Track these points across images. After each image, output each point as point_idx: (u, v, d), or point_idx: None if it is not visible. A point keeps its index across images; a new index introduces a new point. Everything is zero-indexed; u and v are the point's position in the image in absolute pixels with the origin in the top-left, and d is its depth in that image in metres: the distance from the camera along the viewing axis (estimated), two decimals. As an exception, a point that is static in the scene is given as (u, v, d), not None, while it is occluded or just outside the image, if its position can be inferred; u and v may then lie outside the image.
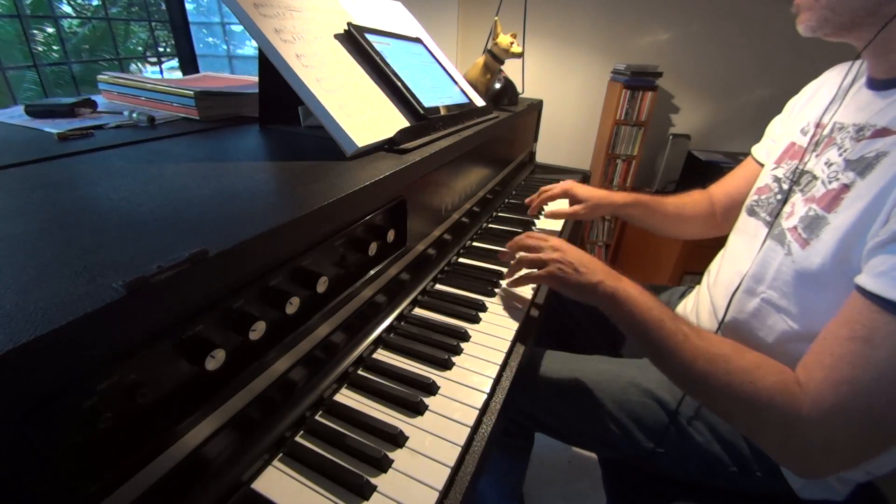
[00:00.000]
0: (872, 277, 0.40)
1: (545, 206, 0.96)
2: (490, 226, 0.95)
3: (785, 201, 0.56)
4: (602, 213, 0.86)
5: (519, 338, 0.60)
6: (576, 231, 0.95)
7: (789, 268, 0.51)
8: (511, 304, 0.66)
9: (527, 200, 0.92)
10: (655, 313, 0.51)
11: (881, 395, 0.38)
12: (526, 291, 0.70)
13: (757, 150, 0.76)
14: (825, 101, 0.60)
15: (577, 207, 0.84)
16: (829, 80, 0.63)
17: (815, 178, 0.53)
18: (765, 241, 0.57)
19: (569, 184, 0.88)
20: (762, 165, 0.72)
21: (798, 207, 0.53)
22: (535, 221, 0.98)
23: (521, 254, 0.66)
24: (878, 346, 0.38)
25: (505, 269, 0.72)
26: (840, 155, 0.50)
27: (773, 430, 0.44)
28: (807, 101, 0.66)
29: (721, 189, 0.83)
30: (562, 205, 0.91)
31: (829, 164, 0.51)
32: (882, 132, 0.47)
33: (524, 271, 0.66)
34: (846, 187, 0.47)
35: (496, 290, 0.69)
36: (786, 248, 0.52)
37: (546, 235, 0.66)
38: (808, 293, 0.50)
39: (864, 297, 0.40)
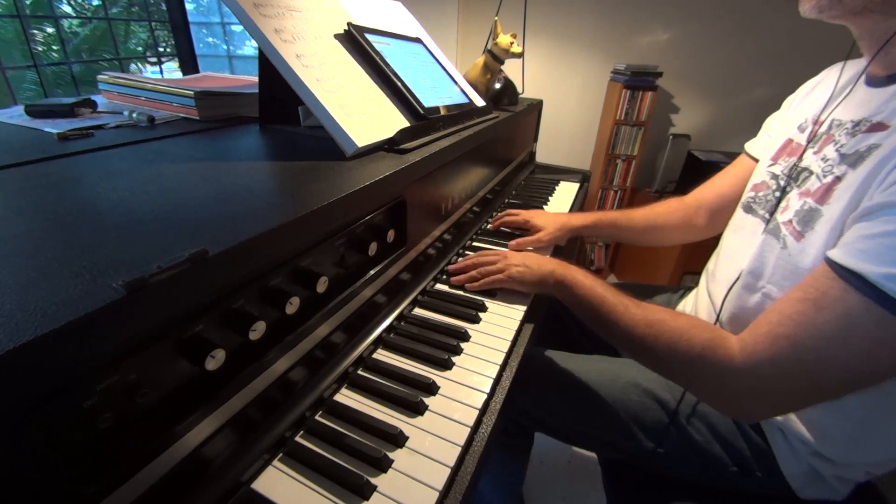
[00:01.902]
0: (838, 248, 0.42)
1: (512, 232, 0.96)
2: (490, 226, 0.95)
3: (781, 198, 0.56)
4: (563, 238, 0.88)
5: (519, 337, 0.60)
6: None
7: (786, 261, 0.51)
8: (511, 304, 0.66)
9: (491, 223, 0.93)
10: (599, 290, 0.58)
11: (813, 351, 0.41)
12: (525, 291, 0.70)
13: (751, 146, 0.76)
14: (823, 98, 0.60)
15: (539, 235, 0.86)
16: (828, 78, 0.63)
17: (811, 173, 0.53)
18: (761, 236, 0.57)
19: (530, 214, 0.90)
20: (756, 161, 0.72)
21: (793, 201, 0.53)
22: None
23: (483, 269, 0.69)
24: (823, 308, 0.41)
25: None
26: (836, 150, 0.50)
27: (707, 380, 0.49)
28: (803, 98, 0.66)
29: (711, 190, 0.83)
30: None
31: (825, 160, 0.51)
32: (878, 126, 0.47)
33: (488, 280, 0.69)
34: (838, 179, 0.47)
35: (496, 291, 0.69)
36: (781, 242, 0.53)
37: (497, 250, 0.73)
38: None
39: (826, 266, 0.42)
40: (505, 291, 0.69)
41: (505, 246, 0.84)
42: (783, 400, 0.46)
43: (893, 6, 0.45)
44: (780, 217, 0.54)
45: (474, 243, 0.86)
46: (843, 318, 0.39)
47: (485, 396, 0.48)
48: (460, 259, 0.75)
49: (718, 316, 0.61)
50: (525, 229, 0.89)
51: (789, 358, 0.42)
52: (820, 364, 0.41)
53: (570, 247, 0.93)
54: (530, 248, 0.84)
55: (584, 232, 0.90)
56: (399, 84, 0.69)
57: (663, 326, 0.51)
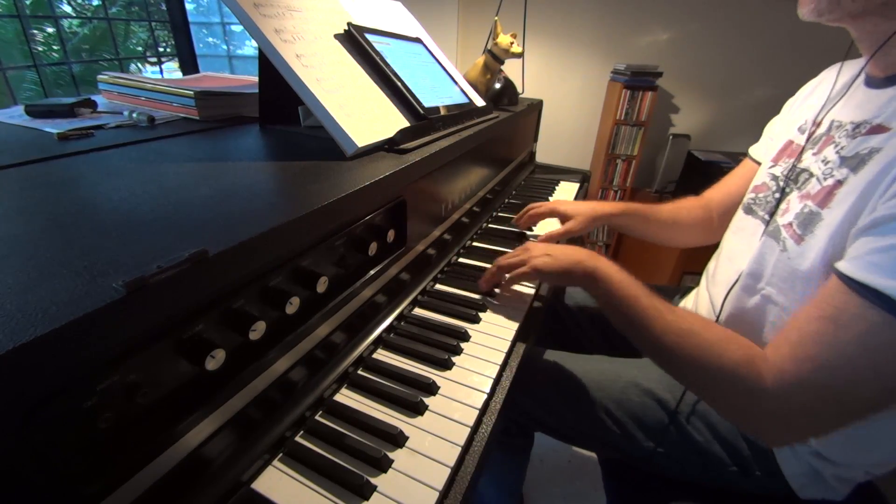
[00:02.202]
0: (848, 261, 0.41)
1: (533, 228, 0.94)
2: (490, 226, 0.95)
3: (781, 199, 0.56)
4: (594, 225, 0.85)
5: (519, 337, 0.60)
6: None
7: (785, 264, 0.51)
8: (511, 304, 0.66)
9: (514, 220, 0.90)
10: (632, 290, 0.54)
11: (840, 372, 0.40)
12: (526, 290, 0.70)
13: (755, 150, 0.76)
14: (822, 99, 0.59)
15: (569, 225, 0.83)
16: (827, 79, 0.63)
17: (811, 175, 0.53)
18: (761, 238, 0.57)
19: (555, 203, 0.87)
20: (759, 164, 0.72)
21: (793, 204, 0.53)
22: (533, 227, 0.95)
23: (509, 275, 0.66)
24: (843, 326, 0.40)
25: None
26: (836, 152, 0.50)
27: (737, 400, 0.46)
28: (804, 100, 0.66)
29: (720, 191, 0.83)
30: (552, 224, 0.90)
31: (825, 162, 0.51)
32: (877, 129, 0.47)
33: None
34: (839, 183, 0.47)
35: (496, 290, 0.69)
36: (781, 245, 0.52)
37: (520, 247, 0.68)
38: (803, 289, 0.50)
39: (839, 280, 0.41)
40: (505, 291, 0.69)
41: (507, 248, 0.83)
42: (814, 425, 0.45)
43: (892, 8, 0.45)
44: (781, 219, 0.54)
45: (474, 243, 0.86)
46: (865, 335, 0.39)
47: (485, 396, 0.48)
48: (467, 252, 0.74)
49: (718, 318, 0.61)
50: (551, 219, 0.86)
51: (817, 381, 0.41)
52: (847, 385, 0.40)
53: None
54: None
55: (614, 220, 0.85)
56: (399, 84, 0.69)
57: (696, 338, 0.48)
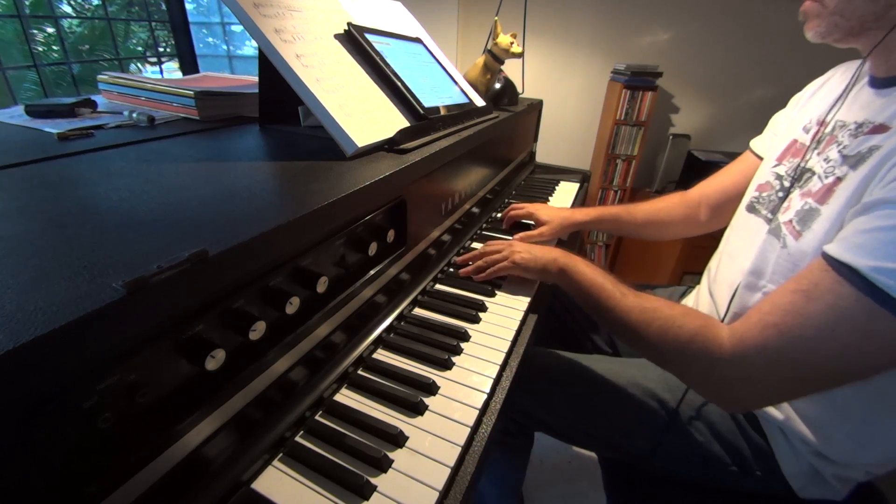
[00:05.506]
0: (834, 242, 0.42)
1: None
2: (490, 226, 0.95)
3: (785, 198, 0.57)
4: (565, 232, 0.90)
5: (519, 337, 0.60)
6: (575, 232, 0.95)
7: (786, 260, 0.52)
8: (511, 304, 0.66)
9: (500, 217, 0.94)
10: (599, 280, 0.60)
11: (802, 341, 0.42)
12: (525, 291, 0.70)
13: (756, 144, 0.76)
14: (828, 99, 0.60)
15: (541, 229, 0.87)
16: (833, 79, 0.63)
17: (813, 174, 0.53)
18: (764, 236, 0.57)
19: (534, 207, 0.92)
20: (760, 159, 0.72)
21: (795, 202, 0.54)
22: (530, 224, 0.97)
23: (489, 258, 0.71)
24: (814, 299, 0.41)
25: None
26: (839, 151, 0.50)
27: (697, 365, 0.49)
28: (809, 98, 0.66)
29: (713, 185, 0.83)
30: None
31: (827, 161, 0.52)
32: (879, 128, 0.47)
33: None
34: (839, 180, 0.48)
35: (496, 290, 0.69)
36: (781, 241, 0.53)
37: (502, 241, 0.75)
38: None
39: (822, 259, 0.43)
40: (505, 291, 0.69)
41: (510, 237, 0.84)
42: (770, 389, 0.47)
43: (888, 20, 0.47)
44: (782, 217, 0.54)
45: (474, 244, 0.86)
46: (834, 308, 0.40)
47: (485, 396, 0.48)
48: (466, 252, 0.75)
49: (724, 317, 0.61)
50: (528, 222, 0.91)
51: (777, 346, 0.43)
52: (807, 354, 0.42)
53: (570, 245, 0.94)
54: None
55: (587, 227, 0.91)
56: (399, 84, 0.69)
57: (657, 313, 0.52)
